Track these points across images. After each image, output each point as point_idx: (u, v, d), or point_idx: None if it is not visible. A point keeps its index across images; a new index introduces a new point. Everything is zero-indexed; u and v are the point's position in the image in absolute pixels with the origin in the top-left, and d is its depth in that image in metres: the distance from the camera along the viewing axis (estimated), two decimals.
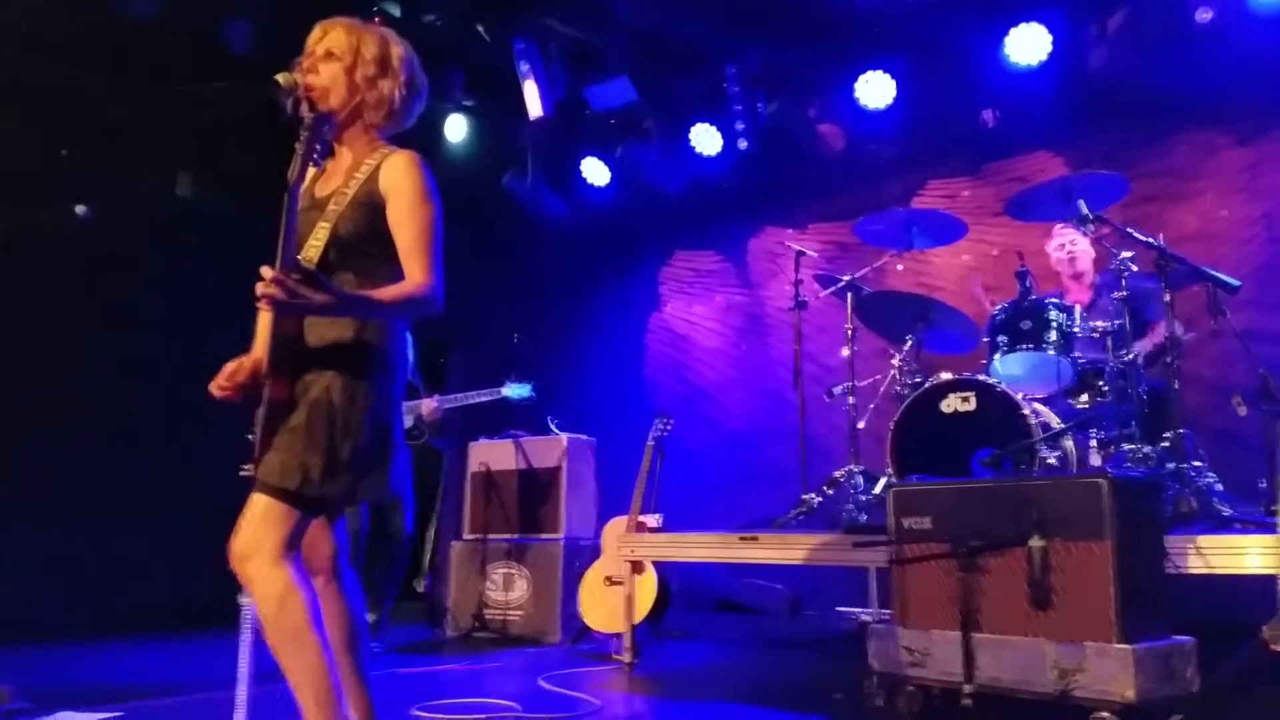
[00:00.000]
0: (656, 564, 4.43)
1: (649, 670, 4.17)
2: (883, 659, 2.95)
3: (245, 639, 2.24)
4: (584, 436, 5.59)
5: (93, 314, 5.78)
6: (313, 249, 2.17)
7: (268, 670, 2.15)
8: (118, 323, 5.89)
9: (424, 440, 4.69)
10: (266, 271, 1.93)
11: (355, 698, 2.26)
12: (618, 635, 4.33)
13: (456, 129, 6.60)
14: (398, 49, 2.36)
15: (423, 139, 6.53)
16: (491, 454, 5.68)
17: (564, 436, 5.46)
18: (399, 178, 2.22)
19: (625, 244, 7.51)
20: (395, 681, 3.94)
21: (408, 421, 4.57)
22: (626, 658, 4.12)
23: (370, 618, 4.38)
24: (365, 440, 2.14)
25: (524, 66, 5.95)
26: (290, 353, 2.11)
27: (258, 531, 2.04)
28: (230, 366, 2.22)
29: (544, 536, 5.32)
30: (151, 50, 5.44)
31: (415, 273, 2.16)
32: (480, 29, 5.99)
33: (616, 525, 4.62)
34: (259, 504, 2.06)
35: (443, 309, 2.19)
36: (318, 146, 2.11)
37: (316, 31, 2.33)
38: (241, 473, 2.08)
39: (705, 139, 6.32)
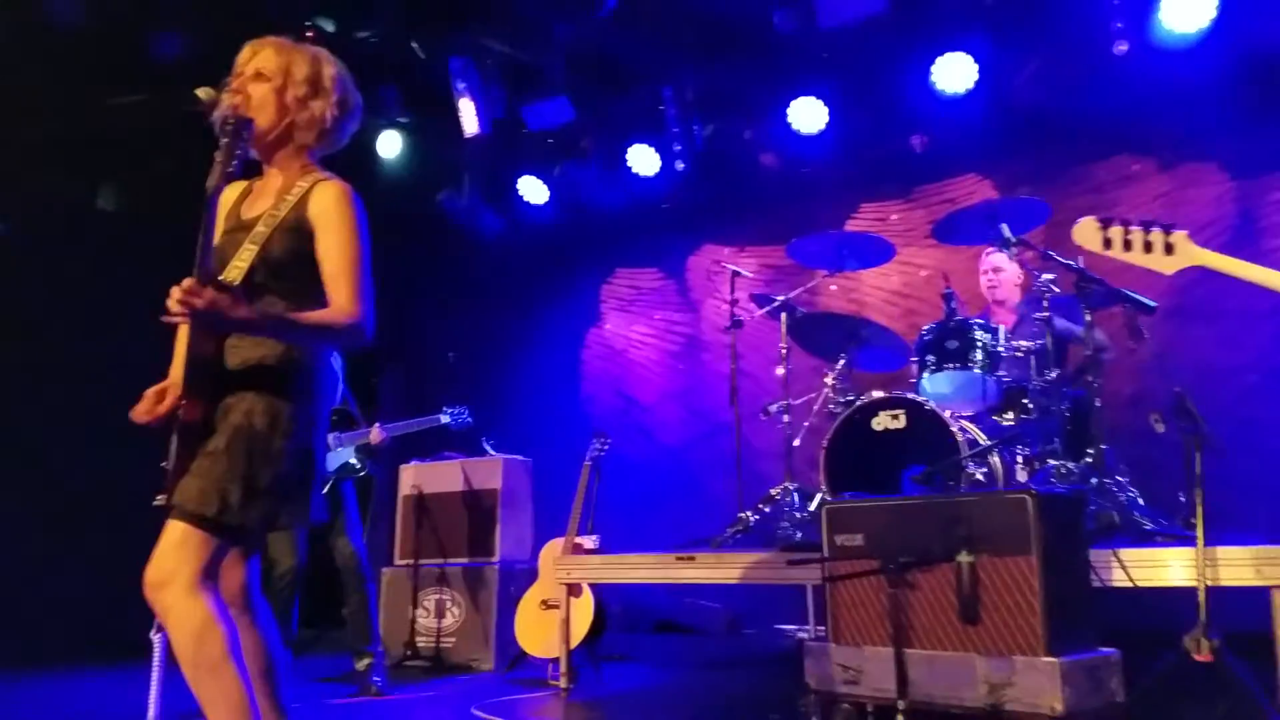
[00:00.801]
0: (594, 586, 4.39)
1: (586, 695, 4.11)
2: (818, 677, 2.95)
3: (155, 675, 2.14)
4: (520, 457, 5.51)
5: (8, 327, 5.56)
6: (236, 270, 2.11)
7: (183, 709, 2.06)
8: (31, 332, 5.68)
9: (364, 472, 4.54)
10: (185, 283, 1.88)
11: None
12: (554, 660, 4.26)
13: (391, 145, 6.52)
14: (330, 69, 2.32)
15: (356, 155, 6.47)
16: (424, 476, 5.56)
17: (500, 458, 5.38)
18: (327, 206, 2.18)
19: (564, 262, 7.51)
20: (323, 714, 3.82)
21: (349, 455, 4.42)
22: (563, 683, 4.06)
23: (362, 665, 4.24)
24: (286, 466, 2.08)
25: (460, 84, 5.92)
26: (208, 375, 2.05)
27: (174, 559, 1.96)
28: (152, 392, 2.15)
29: (478, 561, 5.21)
30: (74, 59, 5.27)
31: (340, 300, 2.12)
32: (416, 46, 5.94)
33: (553, 547, 4.56)
34: (175, 531, 1.98)
35: (371, 339, 2.15)
36: (236, 153, 2.06)
37: (246, 51, 2.29)
38: (155, 502, 2.00)
39: (643, 160, 6.35)
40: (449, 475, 5.47)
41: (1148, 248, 2.11)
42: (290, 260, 2.14)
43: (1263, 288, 2.05)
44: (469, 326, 7.38)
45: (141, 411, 2.12)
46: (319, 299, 2.14)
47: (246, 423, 2.05)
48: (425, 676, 4.82)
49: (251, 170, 2.28)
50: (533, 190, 6.81)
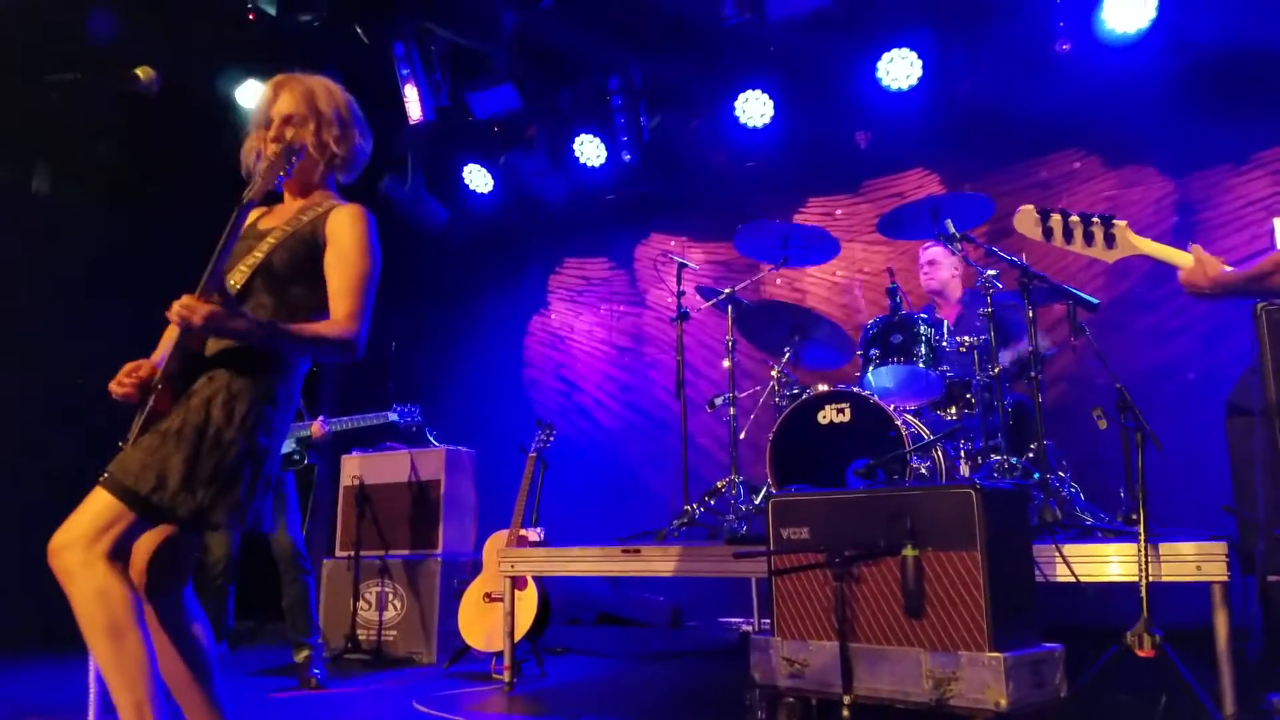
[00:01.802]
0: (539, 579, 4.34)
1: (529, 688, 4.07)
2: (763, 670, 2.94)
3: (93, 664, 2.06)
4: (464, 448, 5.43)
5: None
6: (239, 274, 2.17)
7: None
8: None
9: (304, 463, 4.43)
10: (184, 298, 1.95)
11: None
12: (498, 654, 4.21)
13: None
14: (344, 96, 2.42)
15: None
16: (365, 467, 5.45)
17: (442, 449, 5.29)
18: (343, 226, 2.25)
19: (510, 252, 7.41)
20: (262, 707, 3.72)
21: (289, 446, 4.31)
22: (506, 676, 4.01)
23: (301, 656, 4.14)
24: (232, 459, 2.05)
25: (404, 70, 5.79)
26: (188, 370, 2.09)
27: (86, 524, 1.92)
28: (129, 365, 2.16)
29: (420, 553, 5.13)
30: (7, 39, 5.04)
31: (339, 315, 2.16)
32: (359, 30, 5.80)
33: (497, 540, 4.50)
34: (98, 500, 1.95)
35: (359, 357, 2.20)
36: (280, 175, 2.16)
37: (267, 93, 2.37)
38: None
39: (589, 149, 6.29)
40: (391, 466, 5.37)
41: (1088, 238, 2.12)
42: (294, 271, 2.20)
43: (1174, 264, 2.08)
44: (412, 316, 7.24)
45: (118, 382, 2.12)
46: (317, 314, 2.20)
47: (204, 409, 2.05)
48: (366, 670, 4.73)
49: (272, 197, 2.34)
50: (478, 179, 6.71)
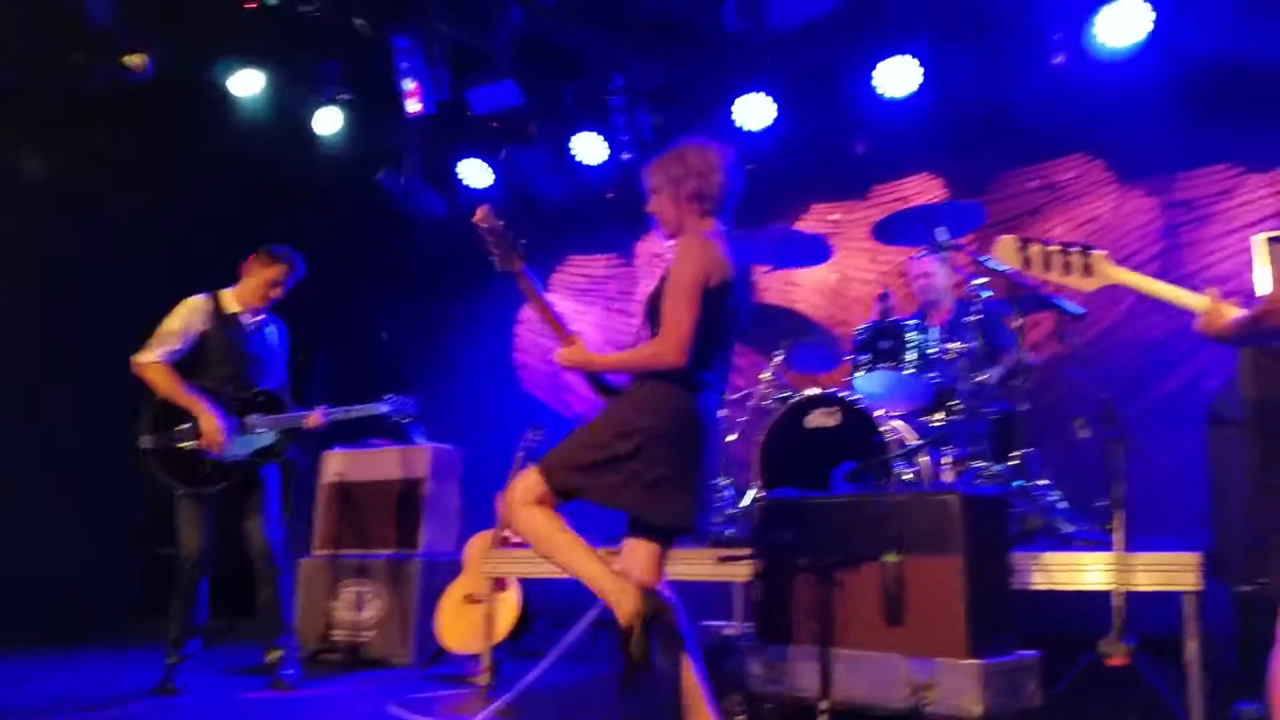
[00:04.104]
0: (522, 582, 4.31)
1: (507, 691, 4.04)
2: (744, 674, 2.94)
3: None
4: (449, 446, 5.38)
5: None
6: None
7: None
8: None
9: (283, 456, 4.36)
10: None
11: None
12: (476, 656, 4.18)
13: (330, 122, 6.34)
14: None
15: (292, 131, 6.31)
16: (347, 464, 5.39)
17: (428, 446, 5.23)
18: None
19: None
20: (231, 707, 3.69)
21: (271, 437, 4.23)
22: (483, 679, 3.98)
23: (273, 656, 4.09)
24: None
25: (404, 63, 5.78)
26: None
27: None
28: None
29: (401, 553, 5.06)
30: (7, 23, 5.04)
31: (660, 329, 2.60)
32: (360, 23, 5.79)
33: (480, 540, 4.48)
34: None
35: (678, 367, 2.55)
36: None
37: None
38: None
39: (590, 147, 6.27)
40: (374, 463, 5.32)
41: (1066, 268, 2.14)
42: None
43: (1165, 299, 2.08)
44: (405, 310, 7.23)
45: None
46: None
47: None
48: (341, 671, 4.69)
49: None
50: (475, 174, 6.69)
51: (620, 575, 2.53)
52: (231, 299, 4.18)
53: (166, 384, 3.95)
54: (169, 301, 4.12)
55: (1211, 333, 1.99)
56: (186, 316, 4.07)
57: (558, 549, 2.56)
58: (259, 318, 4.24)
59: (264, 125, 6.08)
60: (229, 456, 4.00)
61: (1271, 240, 3.19)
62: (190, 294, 4.13)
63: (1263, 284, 3.35)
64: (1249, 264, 3.31)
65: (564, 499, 2.62)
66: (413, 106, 5.86)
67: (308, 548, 5.42)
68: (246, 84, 5.99)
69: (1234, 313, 1.95)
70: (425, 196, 6.74)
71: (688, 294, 2.54)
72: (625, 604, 2.44)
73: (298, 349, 4.55)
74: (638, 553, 2.70)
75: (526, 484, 2.61)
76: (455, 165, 6.69)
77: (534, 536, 2.60)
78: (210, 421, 3.92)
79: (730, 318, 2.68)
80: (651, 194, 2.84)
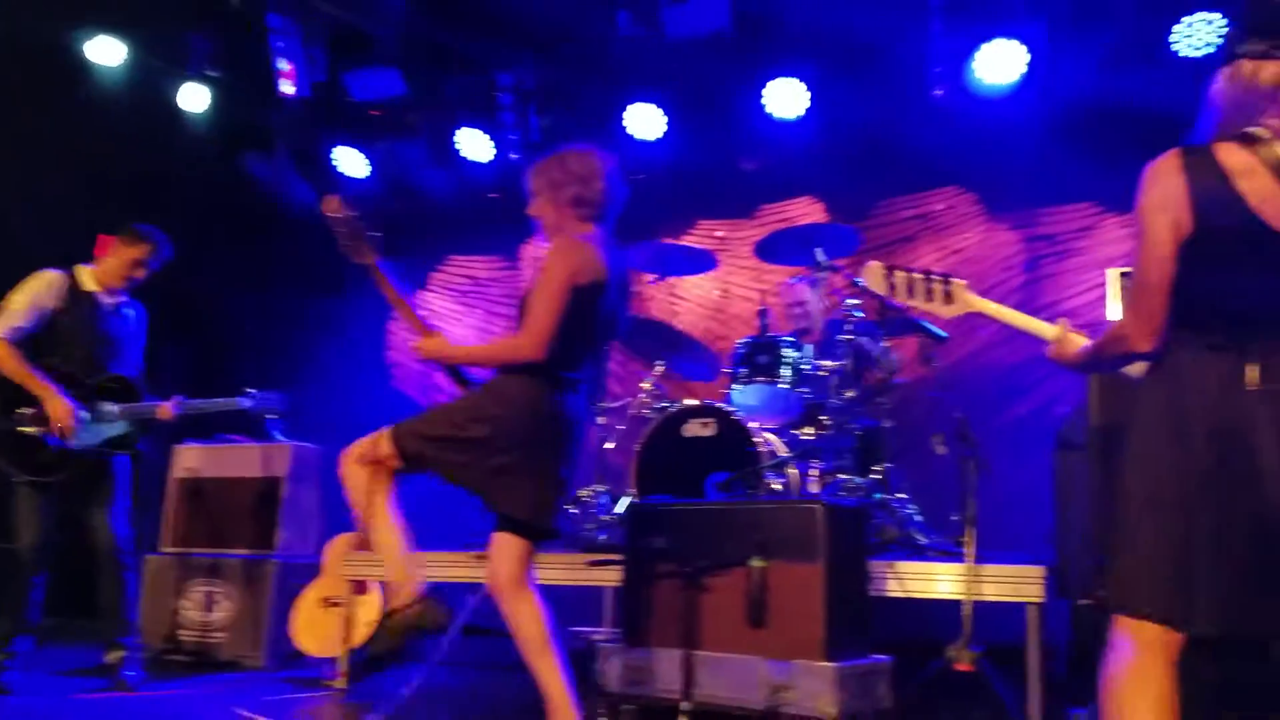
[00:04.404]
0: (383, 585, 4.20)
1: (364, 696, 3.92)
2: (607, 677, 2.94)
3: None
4: (310, 445, 5.17)
5: None
6: None
7: None
8: None
9: (134, 447, 4.10)
10: None
11: None
12: (333, 660, 4.04)
13: (197, 100, 6.03)
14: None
15: (156, 107, 5.96)
16: (201, 459, 5.10)
17: (287, 444, 4.98)
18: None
19: (385, 242, 7.17)
20: (66, 708, 3.45)
21: (123, 427, 3.98)
22: (340, 683, 3.86)
23: (113, 657, 3.85)
24: None
25: (278, 42, 5.55)
26: None
27: None
28: None
29: (256, 553, 4.83)
30: None
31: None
32: None
33: (341, 543, 4.34)
34: None
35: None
36: None
37: None
38: None
39: (475, 144, 6.16)
40: (229, 460, 5.06)
41: (928, 295, 2.25)
42: None
43: (1020, 328, 2.21)
44: (271, 301, 6.91)
45: None
46: None
47: None
48: (187, 672, 4.44)
49: None
50: (352, 162, 6.49)
51: (411, 568, 2.63)
52: (89, 277, 3.92)
53: (9, 363, 3.67)
54: (11, 278, 3.83)
55: (1062, 360, 2.13)
56: (36, 291, 3.79)
57: (372, 513, 2.63)
58: (118, 299, 4.00)
59: (124, 98, 5.74)
60: (76, 444, 3.74)
61: (1123, 275, 3.41)
62: (29, 275, 3.85)
63: (1115, 315, 3.58)
64: (1104, 298, 3.53)
65: (410, 467, 2.68)
66: (286, 88, 5.64)
67: (154, 544, 5.11)
68: (106, 53, 5.65)
69: (1082, 342, 2.09)
70: (295, 183, 6.48)
71: (552, 291, 2.57)
72: (401, 595, 2.57)
73: (150, 338, 4.29)
74: (495, 545, 2.75)
75: (372, 439, 2.67)
76: (330, 153, 6.47)
77: (355, 493, 2.68)
78: (58, 406, 3.66)
79: (604, 322, 2.71)
80: (533, 196, 2.87)
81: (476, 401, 2.69)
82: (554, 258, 2.65)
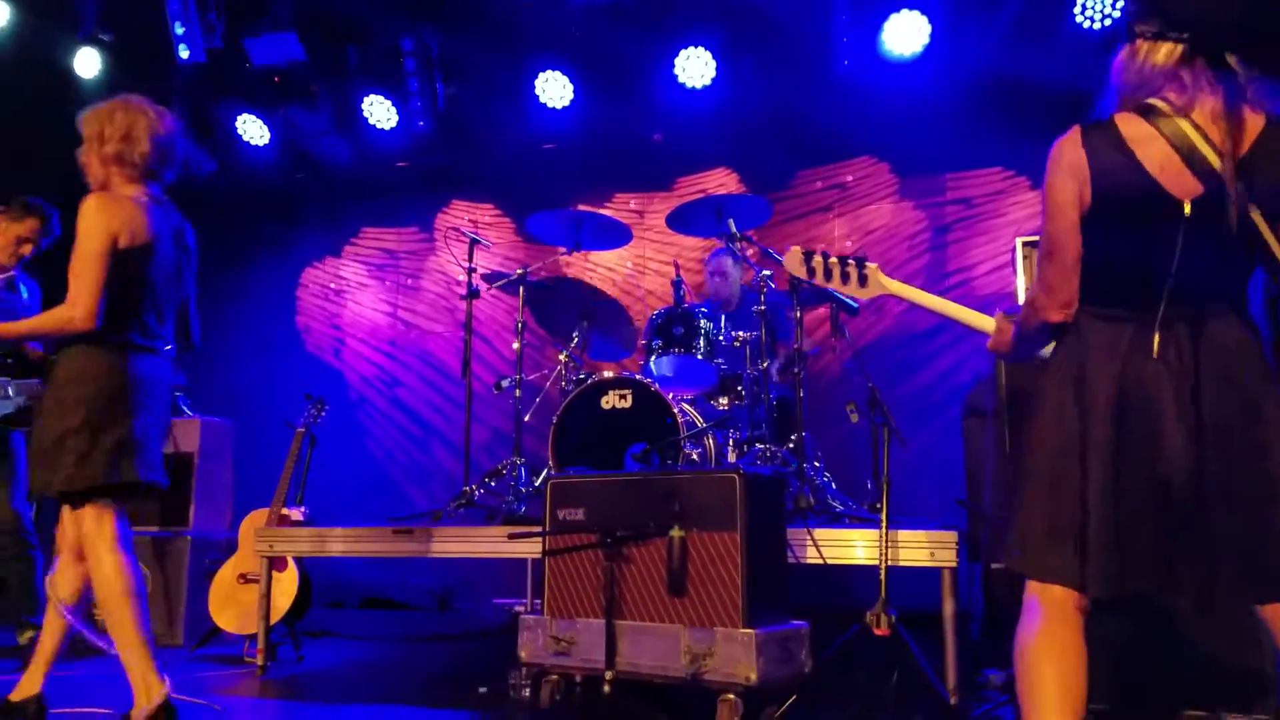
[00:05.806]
0: (300, 560, 4.13)
1: (284, 672, 3.88)
2: (531, 649, 2.96)
3: None
4: (220, 419, 5.05)
5: None
6: None
7: None
8: None
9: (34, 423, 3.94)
10: None
11: None
12: (251, 637, 3.97)
13: (89, 64, 5.71)
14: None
15: (48, 72, 5.61)
16: None
17: (196, 419, 4.89)
18: None
19: (288, 213, 6.97)
20: None
21: (20, 402, 3.82)
22: (259, 660, 3.80)
23: (25, 638, 3.72)
24: None
25: (174, 5, 5.29)
26: None
27: None
28: None
29: (169, 530, 4.73)
30: None
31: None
32: None
33: (256, 518, 4.24)
34: None
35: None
36: None
37: None
38: None
39: (379, 111, 6.00)
40: None
41: (844, 278, 2.34)
42: None
43: (936, 311, 2.28)
44: None
45: None
46: None
47: None
48: (101, 652, 4.30)
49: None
50: (252, 130, 6.25)
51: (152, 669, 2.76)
52: None
53: None
54: None
55: (1001, 350, 2.15)
56: None
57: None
58: (7, 274, 3.82)
59: (10, 62, 5.40)
60: None
61: (1026, 244, 3.49)
62: None
63: (1023, 285, 3.66)
64: (1012, 262, 3.63)
65: (118, 496, 2.78)
66: (183, 53, 5.40)
67: (57, 522, 4.91)
68: None
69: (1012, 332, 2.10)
70: (193, 151, 6.21)
71: (88, 256, 2.54)
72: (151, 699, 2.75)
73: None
74: (74, 517, 2.83)
75: (73, 523, 2.81)
76: (228, 120, 6.22)
77: (111, 584, 2.84)
78: None
79: (166, 280, 2.72)
80: (84, 143, 2.76)
81: (56, 395, 2.66)
82: (82, 221, 2.57)
